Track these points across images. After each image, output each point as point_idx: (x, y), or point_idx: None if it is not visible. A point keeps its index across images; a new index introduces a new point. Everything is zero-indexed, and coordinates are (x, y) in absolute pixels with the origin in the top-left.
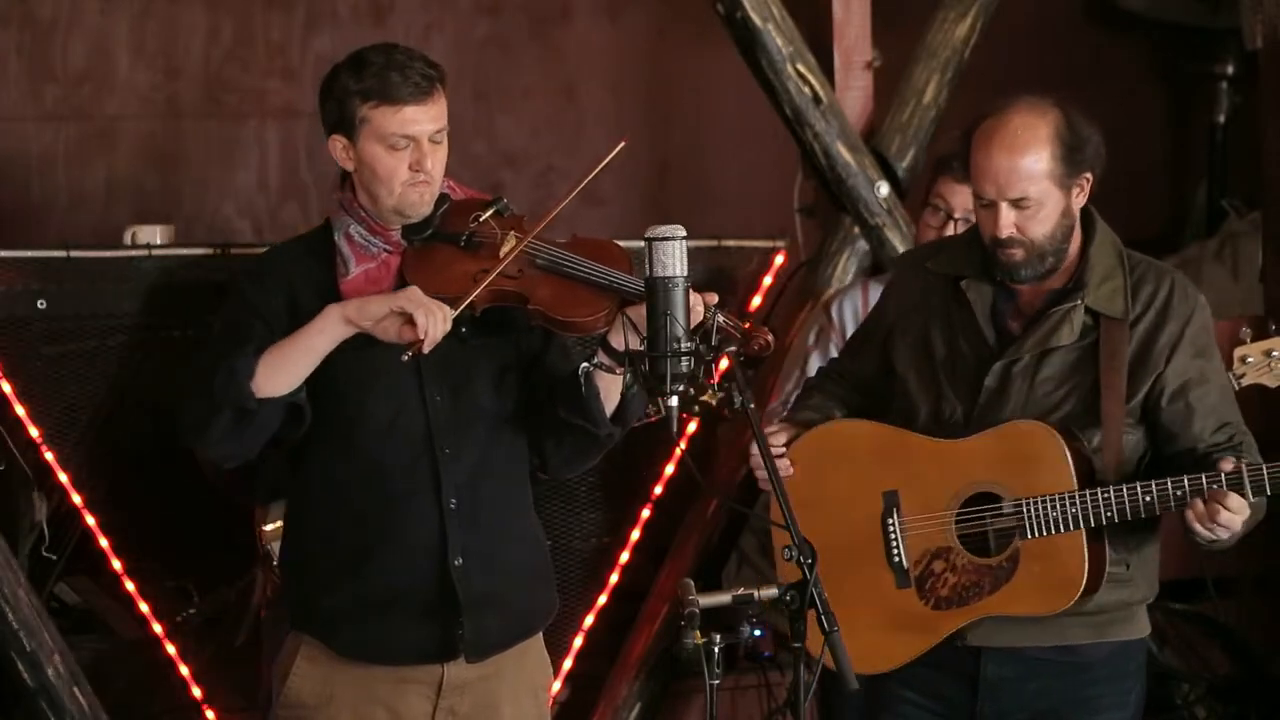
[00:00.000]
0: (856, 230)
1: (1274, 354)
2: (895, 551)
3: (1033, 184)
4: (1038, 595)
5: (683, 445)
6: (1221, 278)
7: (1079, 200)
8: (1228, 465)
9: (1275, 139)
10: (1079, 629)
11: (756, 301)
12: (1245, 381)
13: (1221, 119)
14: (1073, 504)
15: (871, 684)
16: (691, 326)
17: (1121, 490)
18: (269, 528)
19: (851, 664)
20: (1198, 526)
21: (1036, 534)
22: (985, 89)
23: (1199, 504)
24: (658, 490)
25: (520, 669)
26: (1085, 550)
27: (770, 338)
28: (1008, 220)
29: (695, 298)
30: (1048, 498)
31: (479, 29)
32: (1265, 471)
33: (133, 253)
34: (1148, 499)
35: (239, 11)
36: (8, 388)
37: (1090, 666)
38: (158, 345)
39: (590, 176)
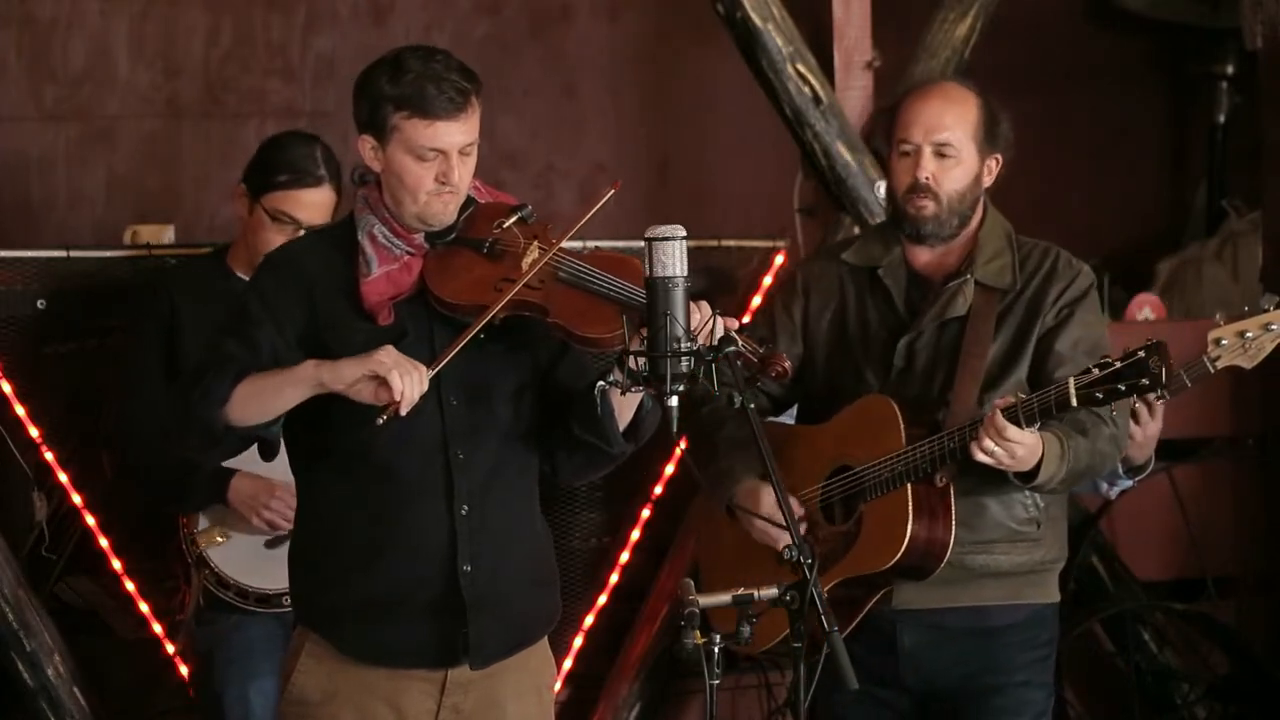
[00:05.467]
0: (856, 230)
1: (1248, 335)
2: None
3: (958, 132)
4: (878, 549)
5: (683, 445)
6: (1221, 278)
7: (987, 180)
8: (1002, 403)
9: (1275, 139)
10: (992, 589)
11: (756, 301)
12: (1221, 364)
13: (1221, 119)
14: (897, 462)
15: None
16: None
17: (933, 441)
18: (200, 530)
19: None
20: (979, 455)
21: (874, 496)
22: (985, 89)
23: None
24: (658, 490)
25: (524, 667)
26: (910, 501)
27: (787, 364)
28: (928, 164)
29: (719, 323)
30: (882, 460)
31: (479, 29)
32: (1036, 401)
33: (133, 253)
34: (951, 444)
35: (239, 11)
36: (8, 388)
37: (1003, 631)
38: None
39: (585, 218)
